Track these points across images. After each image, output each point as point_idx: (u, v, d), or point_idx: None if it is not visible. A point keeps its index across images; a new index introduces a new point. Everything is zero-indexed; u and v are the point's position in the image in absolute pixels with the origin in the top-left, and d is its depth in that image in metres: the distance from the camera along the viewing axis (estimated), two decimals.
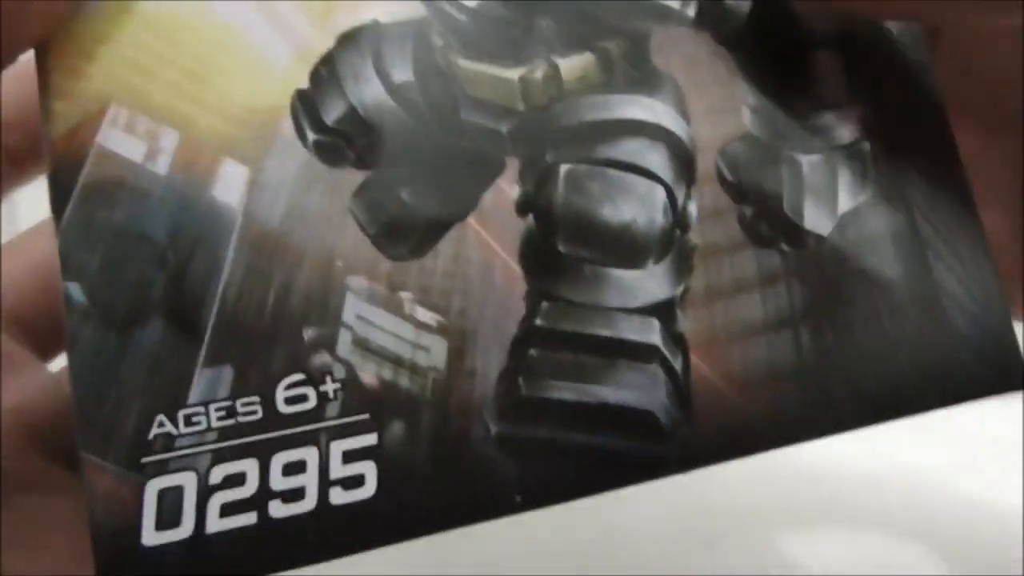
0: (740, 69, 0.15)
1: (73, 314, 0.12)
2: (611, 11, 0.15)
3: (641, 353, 0.14)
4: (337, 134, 0.13)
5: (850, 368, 0.14)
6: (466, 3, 0.14)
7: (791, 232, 0.15)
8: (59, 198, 0.12)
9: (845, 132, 0.15)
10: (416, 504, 0.12)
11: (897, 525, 0.29)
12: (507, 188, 0.14)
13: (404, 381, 0.13)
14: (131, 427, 0.12)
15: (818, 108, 0.15)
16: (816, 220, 0.15)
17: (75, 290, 0.12)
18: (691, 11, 0.15)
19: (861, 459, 0.33)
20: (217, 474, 0.12)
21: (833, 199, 0.15)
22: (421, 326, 0.13)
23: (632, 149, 0.14)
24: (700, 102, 0.15)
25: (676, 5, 0.15)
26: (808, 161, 0.15)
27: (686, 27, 0.15)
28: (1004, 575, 0.26)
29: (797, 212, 0.15)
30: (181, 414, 0.12)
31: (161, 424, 0.12)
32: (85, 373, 0.12)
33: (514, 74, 0.14)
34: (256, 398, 0.12)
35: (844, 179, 0.15)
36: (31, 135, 0.15)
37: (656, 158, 0.14)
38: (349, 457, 0.12)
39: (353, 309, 0.13)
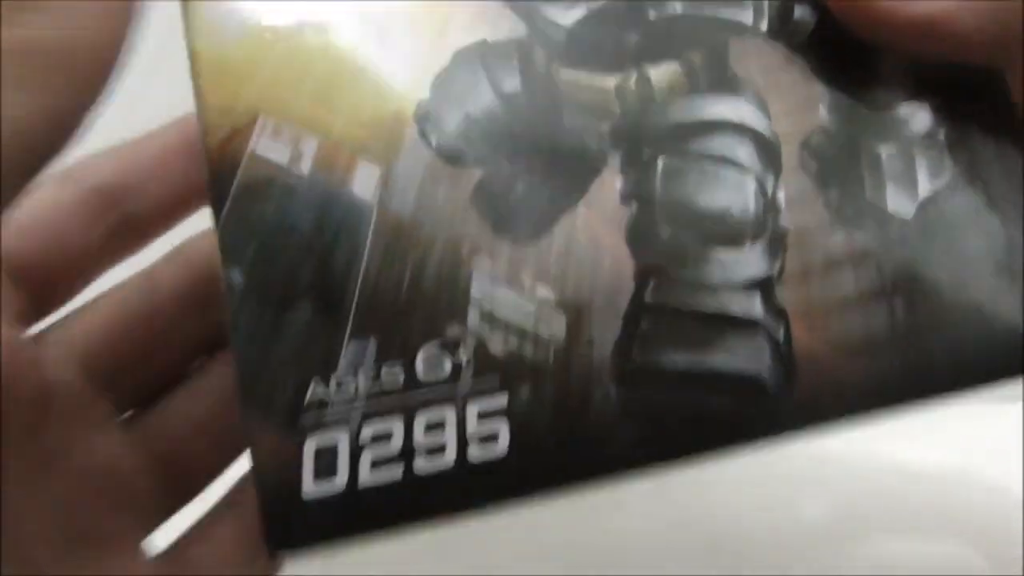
0: (813, 72, 0.17)
1: (234, 296, 0.13)
2: (690, 27, 0.16)
3: (745, 324, 0.15)
4: (456, 137, 0.15)
5: (943, 337, 0.15)
6: (561, 24, 0.16)
7: (875, 215, 0.16)
8: (217, 198, 0.14)
9: (919, 123, 0.17)
10: (545, 461, 0.13)
11: (897, 525, 0.29)
12: (611, 180, 0.15)
13: (528, 350, 0.14)
14: (289, 393, 0.13)
15: (891, 103, 0.17)
16: (898, 204, 0.16)
17: (235, 275, 0.13)
18: (763, 27, 0.17)
19: (861, 459, 0.33)
20: (366, 433, 0.13)
21: (913, 185, 0.16)
22: (541, 302, 0.14)
23: (721, 145, 0.16)
24: (779, 103, 0.16)
25: (748, 22, 0.17)
26: (886, 151, 0.16)
27: (760, 39, 0.17)
28: (1004, 575, 0.26)
29: (879, 197, 0.16)
30: (333, 380, 0.13)
31: (315, 390, 0.13)
32: (245, 348, 0.13)
33: (610, 82, 0.16)
34: (398, 365, 0.13)
35: (922, 166, 0.16)
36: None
37: (744, 152, 0.16)
38: (484, 417, 0.13)
39: (479, 287, 0.14)
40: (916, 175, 0.16)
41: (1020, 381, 0.16)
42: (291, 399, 0.13)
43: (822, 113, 0.16)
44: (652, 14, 0.16)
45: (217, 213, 0.14)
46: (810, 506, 0.30)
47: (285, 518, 0.12)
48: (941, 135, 0.16)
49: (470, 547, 0.27)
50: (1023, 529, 0.27)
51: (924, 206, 0.16)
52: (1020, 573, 0.26)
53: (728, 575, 0.26)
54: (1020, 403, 0.34)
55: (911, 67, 0.17)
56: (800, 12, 0.17)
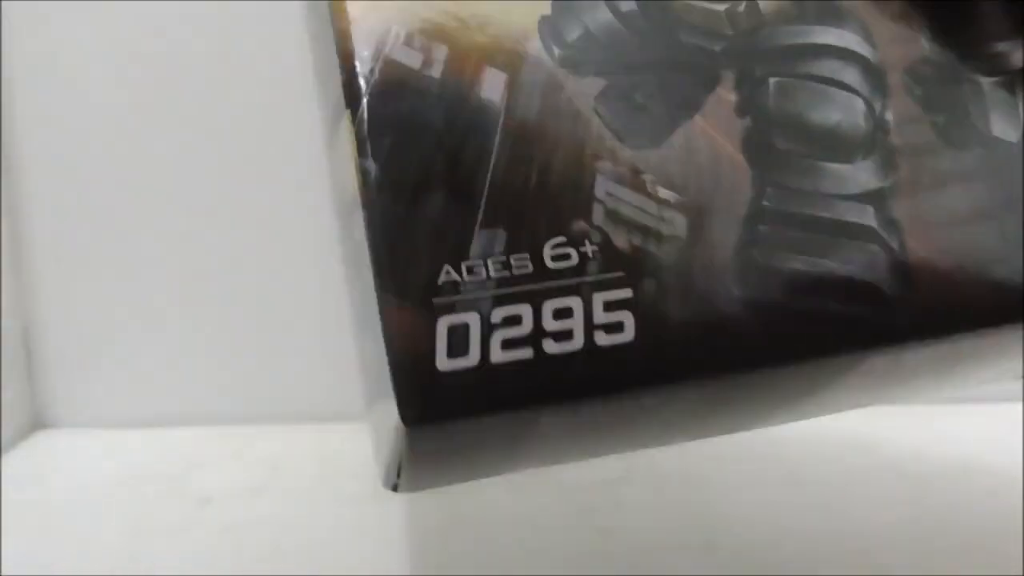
0: (916, 6, 0.17)
1: (369, 186, 0.14)
2: None
3: (860, 233, 0.15)
4: (577, 49, 0.15)
5: None
6: None
7: (982, 139, 0.16)
8: (352, 97, 0.14)
9: (1018, 59, 0.17)
10: (670, 352, 0.14)
11: (897, 525, 0.30)
12: (726, 94, 0.16)
13: (652, 247, 0.14)
14: (423, 275, 0.13)
15: (992, 39, 0.17)
16: (1003, 129, 0.16)
17: (371, 166, 0.14)
18: None
19: (860, 459, 0.35)
20: (497, 315, 0.13)
21: (1016, 114, 0.16)
22: (662, 202, 0.14)
23: (829, 67, 0.16)
24: (883, 33, 0.17)
25: None
26: (988, 82, 0.17)
27: None
28: (1004, 575, 0.26)
29: (984, 122, 0.16)
30: (464, 265, 0.13)
31: (448, 273, 0.13)
32: (380, 234, 0.14)
33: (721, 7, 0.16)
34: (526, 254, 0.14)
35: (1022, 98, 0.17)
36: None
37: (851, 74, 0.16)
38: (609, 306, 0.14)
39: (603, 187, 0.14)
40: (1018, 105, 0.16)
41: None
42: (425, 281, 0.13)
43: (924, 44, 0.17)
44: None
45: (353, 112, 0.14)
46: (807, 505, 0.31)
47: (420, 391, 0.13)
48: None
49: (468, 548, 0.28)
50: (1023, 529, 0.27)
51: None
52: (1020, 573, 0.26)
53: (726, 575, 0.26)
54: (1020, 403, 0.37)
55: (1009, 6, 0.17)
56: None
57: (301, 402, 0.40)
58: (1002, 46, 0.17)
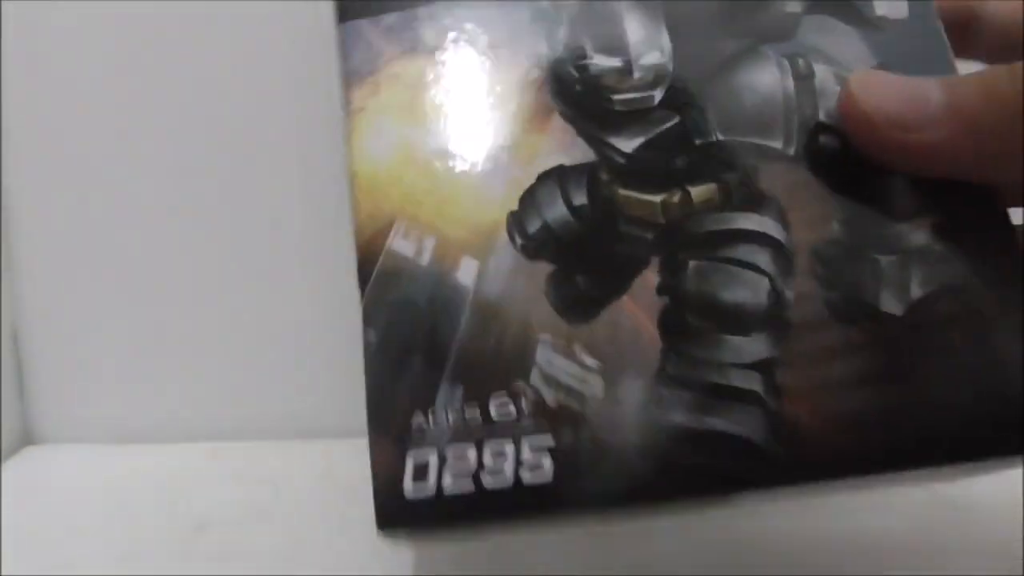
0: (831, 190, 0.21)
1: (369, 349, 0.19)
2: (729, 152, 0.21)
3: (745, 396, 0.19)
4: (535, 240, 0.20)
5: (928, 414, 0.19)
6: (623, 150, 0.21)
7: (870, 312, 0.20)
8: (363, 279, 0.20)
9: (918, 238, 0.20)
10: (580, 490, 0.18)
11: (897, 525, 0.30)
12: (651, 277, 0.20)
13: (573, 404, 0.19)
14: (400, 419, 0.19)
15: (896, 219, 0.20)
16: (891, 304, 0.20)
17: (371, 334, 0.19)
18: (791, 151, 0.21)
19: None
20: (450, 453, 0.18)
21: (906, 289, 0.20)
22: (587, 368, 0.19)
23: (744, 251, 0.20)
24: (798, 216, 0.20)
25: (779, 146, 0.21)
26: (885, 260, 0.20)
27: (785, 162, 0.21)
28: (1004, 575, 0.26)
29: (874, 298, 0.20)
30: (430, 412, 0.19)
31: (417, 418, 0.19)
32: (374, 387, 0.19)
33: (657, 198, 0.20)
34: (477, 406, 0.19)
35: (916, 274, 0.20)
36: None
37: (762, 257, 0.20)
38: (534, 450, 0.18)
39: (542, 354, 0.19)
40: (910, 281, 0.20)
41: (1012, 460, 0.19)
42: (401, 423, 0.19)
43: (834, 226, 0.20)
44: (698, 140, 0.21)
45: (362, 290, 0.20)
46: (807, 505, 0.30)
47: (391, 507, 0.18)
48: (936, 248, 0.20)
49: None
50: (1023, 529, 0.27)
51: (915, 307, 0.20)
52: (1020, 574, 0.26)
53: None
54: None
55: (917, 187, 0.20)
56: (824, 138, 0.21)
57: (302, 418, 0.38)
58: (903, 226, 0.20)
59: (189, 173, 0.39)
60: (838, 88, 0.21)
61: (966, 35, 0.26)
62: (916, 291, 0.20)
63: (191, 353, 0.39)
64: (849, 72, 0.21)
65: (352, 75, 0.22)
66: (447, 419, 0.19)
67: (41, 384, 0.40)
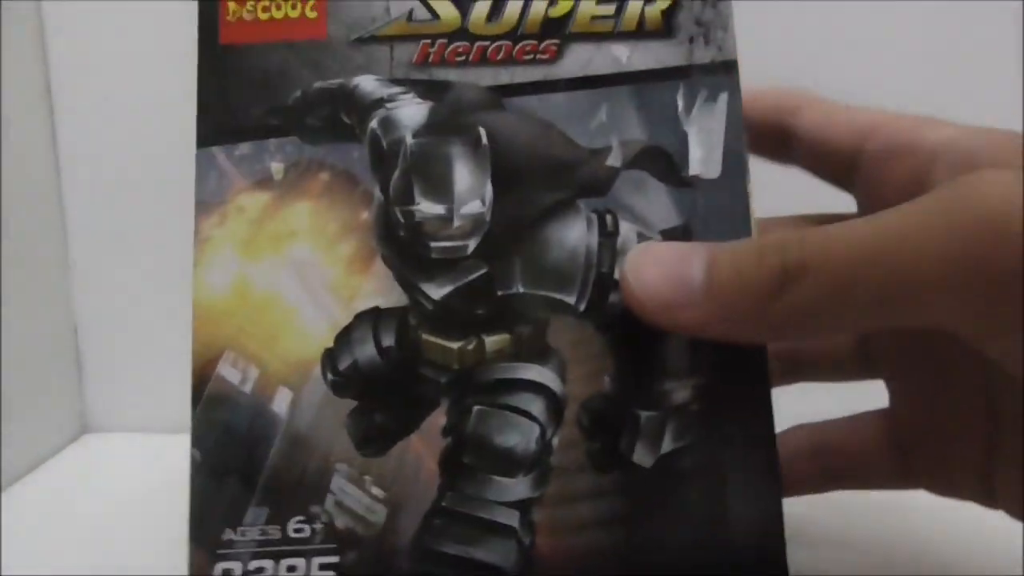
0: (609, 347, 0.23)
1: (194, 467, 0.23)
2: (526, 304, 0.23)
3: (504, 531, 0.22)
4: (344, 376, 0.23)
5: (653, 557, 0.22)
6: (433, 297, 0.23)
7: (622, 463, 0.23)
8: (195, 400, 0.23)
9: (680, 396, 0.23)
10: None
11: (897, 526, 0.31)
12: (439, 418, 0.23)
13: (359, 529, 0.22)
14: (215, 532, 0.22)
15: (663, 378, 0.23)
16: (641, 457, 0.23)
17: (196, 454, 0.23)
18: (582, 306, 0.23)
19: None
20: (252, 565, 0.22)
21: (658, 443, 0.23)
22: (373, 497, 0.23)
23: (522, 399, 0.23)
24: (576, 370, 0.23)
25: (572, 302, 0.24)
26: (645, 416, 0.23)
27: (575, 317, 0.23)
28: (1004, 575, 0.27)
29: (629, 450, 0.23)
30: (239, 529, 0.22)
31: (227, 534, 0.22)
32: (197, 501, 0.23)
33: (455, 345, 0.23)
34: (278, 526, 0.22)
35: (671, 429, 0.23)
36: None
37: (538, 406, 0.23)
38: (322, 567, 0.22)
39: (337, 483, 0.23)
40: (663, 435, 0.23)
41: None
42: (215, 536, 0.22)
43: (606, 381, 0.23)
44: (500, 292, 0.24)
45: (193, 411, 0.23)
46: (806, 505, 0.29)
47: None
48: (695, 407, 0.23)
49: None
50: (1023, 530, 0.27)
51: (663, 460, 0.23)
52: (1020, 574, 0.27)
53: None
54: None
55: (692, 346, 0.23)
56: (614, 296, 0.24)
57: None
58: (670, 384, 0.23)
59: None
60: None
61: (783, 148, 0.28)
62: (667, 445, 0.23)
63: None
64: (652, 230, 0.24)
65: (202, 203, 0.24)
66: (253, 536, 0.22)
67: (98, 375, 0.44)
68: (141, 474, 0.38)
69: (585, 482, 0.23)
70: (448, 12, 0.25)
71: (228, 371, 0.23)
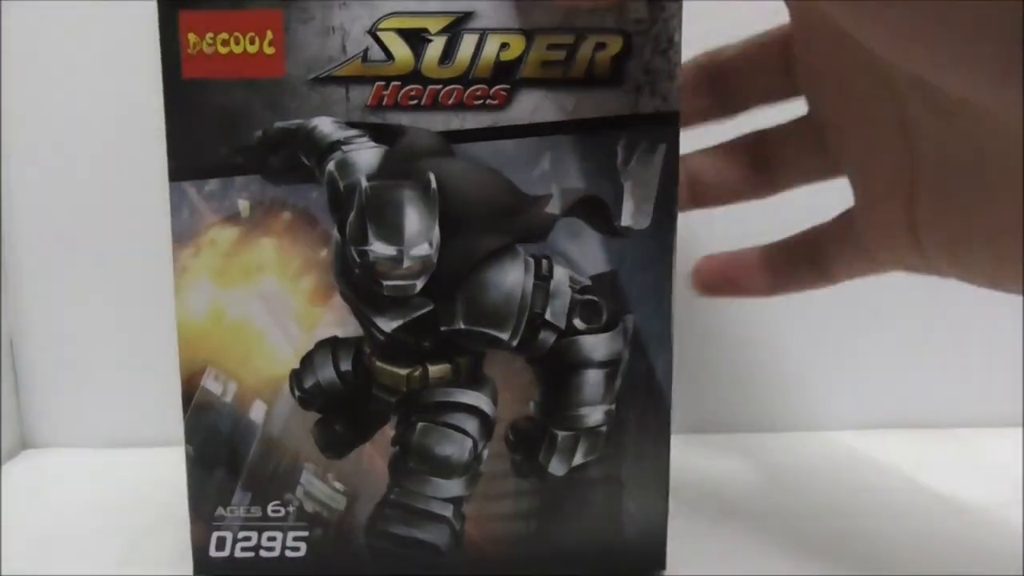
0: (536, 378, 0.27)
1: (189, 460, 0.28)
2: (467, 339, 0.27)
3: (440, 519, 0.28)
4: (308, 394, 0.27)
5: (560, 544, 0.28)
6: (384, 329, 0.27)
7: (539, 472, 0.28)
8: (185, 405, 0.28)
9: (593, 419, 0.28)
10: (323, 564, 0.28)
11: (897, 526, 0.32)
12: (389, 430, 0.28)
13: (324, 513, 0.28)
14: (209, 509, 0.28)
15: (580, 404, 0.28)
16: (556, 466, 0.28)
17: (190, 450, 0.28)
18: (515, 342, 0.27)
19: (860, 459, 0.39)
20: (240, 535, 0.28)
21: (571, 457, 0.28)
22: (335, 490, 0.28)
23: (458, 418, 0.28)
24: (507, 395, 0.28)
25: (506, 338, 0.27)
26: (561, 435, 0.28)
27: (508, 351, 0.27)
28: (1004, 575, 0.28)
29: (546, 461, 0.28)
30: (228, 508, 0.28)
31: (219, 510, 0.28)
32: (195, 489, 0.28)
33: (403, 372, 0.27)
34: (259, 508, 0.28)
35: (583, 446, 0.28)
36: None
37: (472, 424, 0.28)
38: (295, 539, 0.28)
39: (305, 477, 0.28)
40: (576, 451, 0.28)
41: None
42: (210, 512, 0.28)
43: (531, 406, 0.28)
44: (443, 327, 0.27)
45: (184, 415, 0.28)
46: (806, 505, 0.33)
47: (202, 562, 0.28)
48: (604, 429, 0.28)
49: None
50: (1023, 529, 0.28)
51: (574, 470, 0.28)
52: (1020, 574, 0.28)
53: None
54: (1020, 428, 0.42)
55: (602, 382, 0.27)
56: (543, 335, 0.27)
57: None
58: (584, 410, 0.28)
59: None
60: (570, 290, 0.27)
61: (720, 91, 0.30)
62: (579, 459, 0.28)
63: None
64: (583, 275, 0.27)
65: (177, 235, 0.27)
66: (240, 513, 0.28)
67: (38, 390, 0.43)
68: (83, 490, 0.38)
69: (508, 485, 0.28)
70: (402, 52, 0.26)
71: (211, 384, 0.27)
